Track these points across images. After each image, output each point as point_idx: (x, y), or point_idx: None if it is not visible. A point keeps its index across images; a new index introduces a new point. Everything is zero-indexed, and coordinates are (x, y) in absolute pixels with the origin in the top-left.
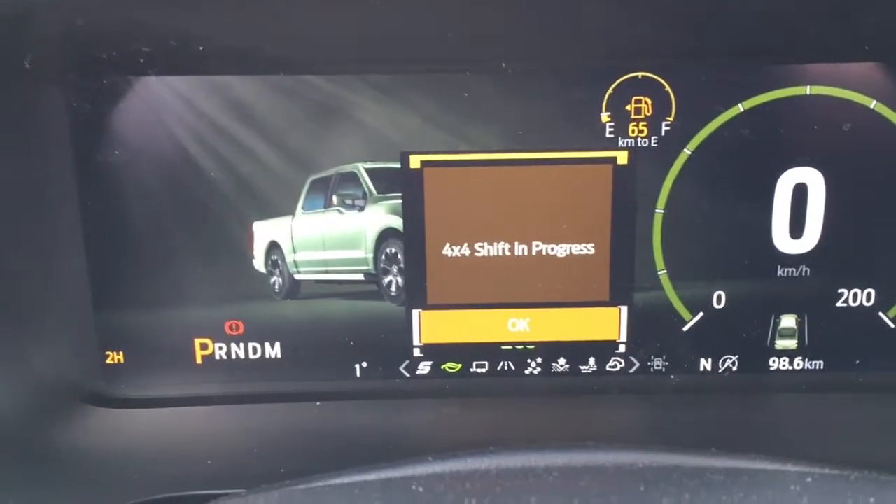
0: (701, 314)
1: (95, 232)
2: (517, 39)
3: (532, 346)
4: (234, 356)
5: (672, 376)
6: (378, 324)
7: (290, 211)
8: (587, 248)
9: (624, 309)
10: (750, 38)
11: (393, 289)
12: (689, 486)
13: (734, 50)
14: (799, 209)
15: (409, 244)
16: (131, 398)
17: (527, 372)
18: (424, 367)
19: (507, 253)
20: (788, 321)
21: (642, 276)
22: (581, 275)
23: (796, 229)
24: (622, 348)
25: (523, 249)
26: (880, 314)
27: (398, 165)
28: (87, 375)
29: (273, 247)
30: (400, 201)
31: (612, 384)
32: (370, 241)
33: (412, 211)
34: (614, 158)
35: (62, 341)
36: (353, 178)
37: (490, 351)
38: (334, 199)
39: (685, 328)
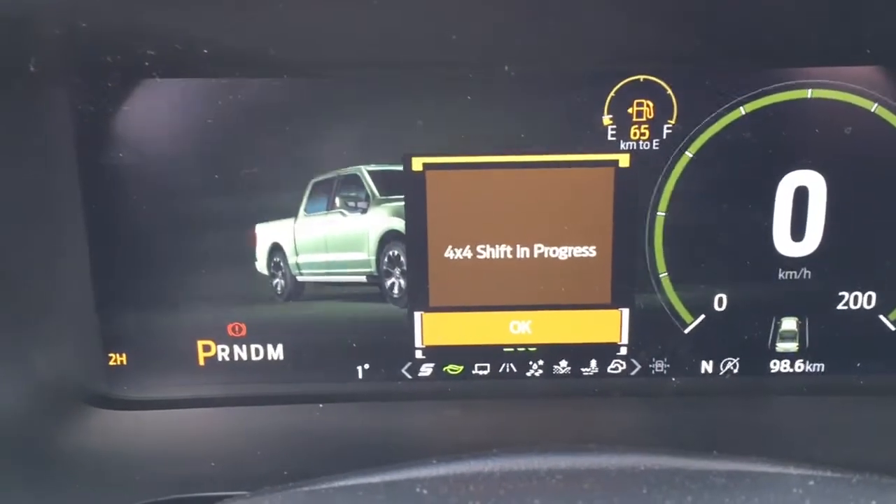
0: (702, 317)
1: (99, 234)
2: (520, 42)
3: (534, 349)
4: (236, 358)
5: (673, 379)
6: (380, 326)
7: (293, 213)
8: (589, 251)
9: (625, 311)
10: (751, 42)
11: (395, 291)
12: (691, 489)
13: (735, 53)
14: (800, 212)
15: (412, 246)
16: (134, 400)
17: (528, 374)
18: (426, 370)
19: (509, 255)
20: (789, 324)
21: (644, 278)
22: (583, 277)
23: (797, 232)
24: (623, 350)
25: (525, 252)
26: (881, 317)
27: (401, 168)
28: (89, 377)
29: (275, 249)
30: (402, 203)
31: (614, 386)
32: (373, 243)
33: (414, 213)
34: (616, 161)
35: (65, 343)
36: (355, 180)
37: (492, 353)
38: (337, 201)
39: (686, 331)
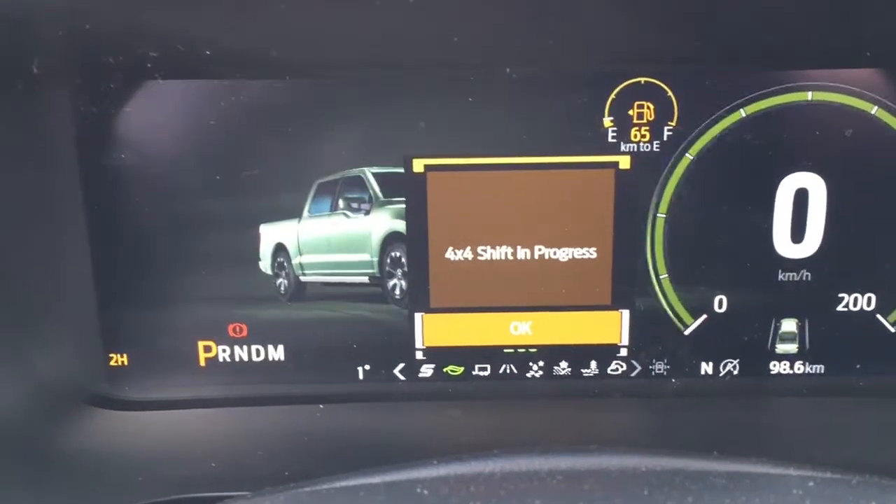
0: (702, 318)
1: (100, 235)
2: (521, 44)
3: (534, 350)
4: (237, 359)
5: (673, 380)
6: (380, 327)
7: (298, 214)
8: (589, 252)
9: (625, 312)
10: (751, 44)
11: (397, 292)
12: (691, 490)
13: (736, 55)
14: (800, 214)
15: (412, 247)
16: (135, 400)
17: (529, 375)
18: (427, 371)
19: (510, 257)
20: (789, 325)
21: (644, 279)
22: (583, 278)
23: (797, 234)
24: (624, 352)
25: (526, 253)
26: (881, 318)
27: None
28: (90, 377)
29: (279, 249)
30: (405, 205)
31: (614, 387)
32: (375, 244)
33: (415, 214)
34: (616, 163)
35: (66, 343)
36: (359, 182)
37: (492, 354)
38: (340, 202)
39: (686, 332)
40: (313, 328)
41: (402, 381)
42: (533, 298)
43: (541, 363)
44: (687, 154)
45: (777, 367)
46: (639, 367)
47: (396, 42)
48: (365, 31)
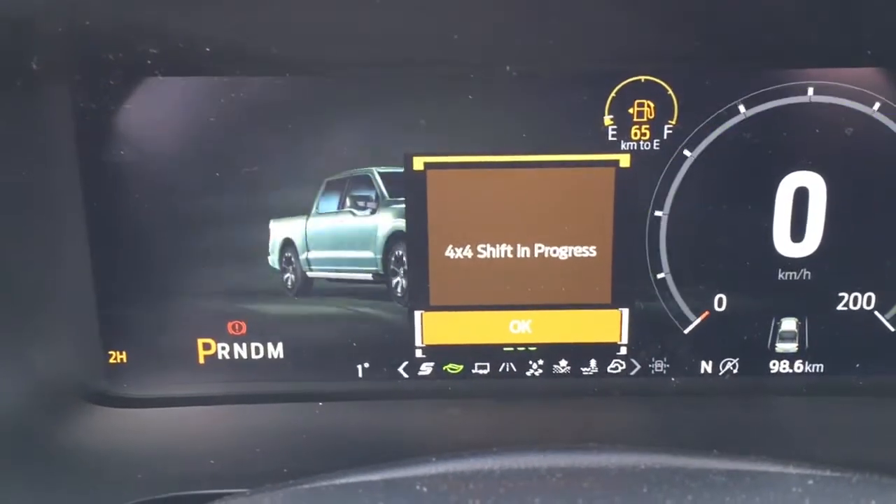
0: (702, 317)
1: (100, 231)
2: (521, 42)
3: (534, 348)
4: (236, 356)
5: (673, 379)
6: (380, 325)
7: (307, 211)
8: (589, 251)
9: (625, 311)
10: (752, 42)
11: (399, 290)
12: (691, 488)
13: (736, 54)
14: (800, 213)
15: (412, 245)
16: (134, 398)
17: (528, 373)
18: (426, 368)
19: (510, 255)
20: (789, 324)
21: (644, 278)
22: (583, 277)
23: (797, 233)
24: (623, 350)
25: (526, 251)
26: (881, 318)
27: None
28: (90, 375)
29: (287, 244)
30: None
31: (614, 386)
32: (380, 242)
33: (415, 212)
34: (617, 161)
35: (65, 340)
36: (366, 181)
37: (492, 352)
38: (347, 201)
39: (686, 331)
40: (313, 325)
41: (402, 378)
42: (533, 297)
43: (540, 361)
44: (687, 153)
45: (777, 366)
46: (638, 366)
47: (397, 40)
48: (365, 28)
